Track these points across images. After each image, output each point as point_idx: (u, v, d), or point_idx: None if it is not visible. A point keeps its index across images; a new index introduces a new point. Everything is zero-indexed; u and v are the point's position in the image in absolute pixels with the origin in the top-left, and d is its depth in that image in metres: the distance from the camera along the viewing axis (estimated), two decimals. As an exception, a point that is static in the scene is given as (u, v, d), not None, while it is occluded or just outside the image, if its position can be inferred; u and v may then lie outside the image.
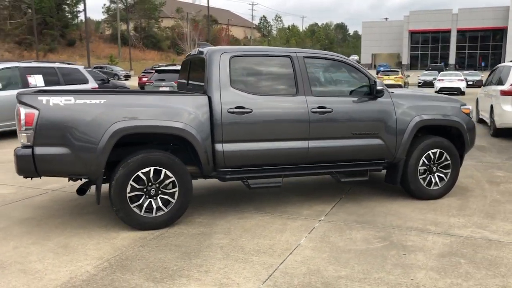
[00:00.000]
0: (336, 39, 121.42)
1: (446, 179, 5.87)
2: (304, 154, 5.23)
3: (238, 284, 3.56)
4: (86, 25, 46.67)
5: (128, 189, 4.56)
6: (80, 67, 13.10)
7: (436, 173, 5.81)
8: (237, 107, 4.91)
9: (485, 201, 5.77)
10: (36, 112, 4.31)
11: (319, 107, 5.21)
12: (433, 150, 5.73)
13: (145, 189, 4.65)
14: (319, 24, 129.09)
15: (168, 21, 77.76)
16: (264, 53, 5.38)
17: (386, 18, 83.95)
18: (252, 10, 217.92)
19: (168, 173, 4.68)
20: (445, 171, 5.87)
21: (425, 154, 5.70)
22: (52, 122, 4.35)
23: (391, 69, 38.17)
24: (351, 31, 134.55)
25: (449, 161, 5.83)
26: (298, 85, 5.21)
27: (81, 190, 4.93)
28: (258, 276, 3.67)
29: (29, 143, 4.34)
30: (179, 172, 4.73)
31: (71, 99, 4.42)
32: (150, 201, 4.68)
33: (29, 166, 4.38)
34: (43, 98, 4.36)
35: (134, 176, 4.57)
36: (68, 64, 13.26)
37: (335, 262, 3.93)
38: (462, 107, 6.00)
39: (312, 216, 5.18)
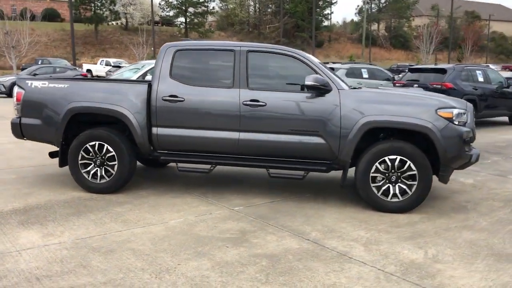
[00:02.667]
0: None
1: (409, 192, 5.07)
2: (235, 145, 5.38)
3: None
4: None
5: (79, 157, 5.66)
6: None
7: (398, 184, 5.08)
8: (170, 96, 5.45)
9: (449, 226, 4.79)
10: (23, 91, 5.80)
11: (251, 100, 5.28)
12: (391, 157, 5.04)
13: (93, 159, 5.66)
14: None
15: (421, 19, 74.96)
16: (208, 47, 5.71)
17: None
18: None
19: (109, 148, 5.59)
20: (408, 182, 5.08)
21: (380, 160, 5.07)
22: (32, 100, 5.77)
23: None
24: None
25: (415, 172, 5.01)
26: (234, 78, 5.38)
27: (52, 154, 6.22)
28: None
29: (18, 115, 5.86)
30: (118, 148, 5.57)
31: (46, 83, 5.76)
32: (97, 170, 5.67)
33: (18, 131, 5.92)
34: (29, 82, 5.82)
35: (84, 147, 5.63)
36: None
37: (162, 243, 4.21)
38: (439, 110, 5.03)
39: (233, 205, 5.31)
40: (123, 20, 60.11)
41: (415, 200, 5.08)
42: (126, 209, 5.11)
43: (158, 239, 4.21)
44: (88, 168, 5.69)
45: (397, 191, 5.10)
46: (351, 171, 5.37)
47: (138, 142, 5.56)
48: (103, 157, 5.63)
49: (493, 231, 4.61)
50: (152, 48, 45.65)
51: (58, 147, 5.85)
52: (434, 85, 11.72)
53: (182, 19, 59.85)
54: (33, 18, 65.42)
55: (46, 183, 6.13)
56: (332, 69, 15.95)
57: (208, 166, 5.58)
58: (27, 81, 5.84)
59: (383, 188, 5.12)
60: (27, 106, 5.79)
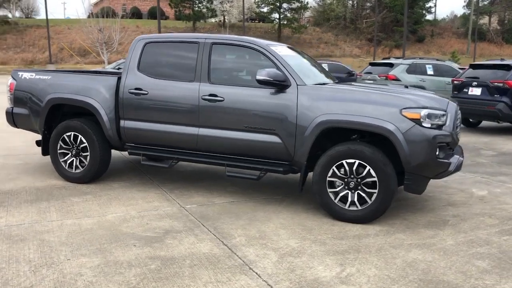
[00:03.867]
0: None
1: (369, 201, 4.52)
2: (194, 141, 5.20)
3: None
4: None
5: (58, 147, 5.84)
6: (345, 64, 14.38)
7: (357, 191, 4.56)
8: (136, 89, 5.41)
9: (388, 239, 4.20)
10: (14, 82, 6.11)
11: (210, 95, 5.06)
12: (349, 160, 4.53)
13: (70, 149, 5.81)
14: None
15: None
16: (175, 39, 5.55)
17: None
18: None
19: (83, 139, 5.70)
20: (368, 190, 4.53)
21: (337, 163, 4.58)
22: (21, 90, 6.06)
23: None
24: None
25: (375, 178, 4.46)
26: (196, 72, 5.19)
27: (38, 143, 6.43)
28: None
29: (11, 105, 6.19)
30: (90, 139, 5.66)
31: (33, 75, 6.02)
32: (73, 160, 5.82)
33: (10, 120, 6.26)
34: (20, 73, 6.12)
35: (61, 137, 5.80)
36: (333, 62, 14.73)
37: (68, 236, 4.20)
38: (404, 110, 4.41)
39: (188, 203, 5.14)
40: (221, 17, 61.80)
41: (375, 211, 4.52)
42: (83, 200, 5.17)
43: (76, 232, 4.19)
44: (65, 158, 5.85)
45: (356, 199, 4.58)
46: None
47: (106, 134, 5.60)
48: (78, 147, 5.76)
49: (451, 253, 3.94)
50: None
51: (40, 134, 6.09)
52: (495, 83, 10.45)
53: (276, 15, 59.96)
54: (140, 16, 69.96)
55: (38, 171, 6.42)
56: (388, 64, 15.16)
57: (167, 162, 5.47)
58: (18, 73, 6.15)
59: (341, 194, 4.63)
60: (17, 96, 6.11)
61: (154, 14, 70.41)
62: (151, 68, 5.48)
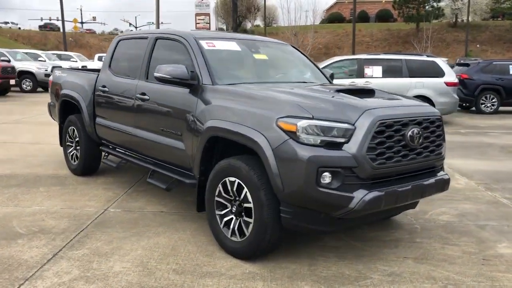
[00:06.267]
0: None
1: (247, 233, 3.54)
2: (134, 142, 4.93)
3: None
4: None
5: (67, 138, 6.27)
6: (439, 60, 12.32)
7: (240, 218, 3.63)
8: (102, 86, 5.41)
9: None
10: (52, 78, 6.79)
11: (141, 94, 4.72)
12: (231, 178, 3.63)
13: (73, 142, 6.17)
14: None
15: None
16: (137, 36, 5.26)
17: None
18: None
19: (76, 133, 5.97)
20: (245, 218, 3.55)
21: (222, 181, 3.72)
22: (53, 86, 6.68)
23: None
24: None
25: (251, 204, 3.47)
26: (141, 69, 4.89)
27: None
28: None
29: (52, 100, 6.89)
30: (80, 134, 5.89)
31: (60, 72, 6.56)
32: (74, 152, 6.16)
33: (49, 112, 6.96)
34: (56, 71, 6.74)
35: (67, 131, 6.20)
36: (428, 56, 12.69)
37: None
38: (280, 120, 3.26)
39: (129, 207, 4.87)
40: (451, 16, 56.82)
41: (253, 246, 3.50)
42: (58, 190, 5.44)
43: (-25, 218, 4.43)
44: (69, 150, 6.24)
45: (236, 228, 3.65)
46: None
47: (87, 130, 5.75)
48: (77, 142, 6.07)
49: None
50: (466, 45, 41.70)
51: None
52: None
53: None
54: (366, 19, 69.53)
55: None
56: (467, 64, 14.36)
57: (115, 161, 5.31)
58: (55, 71, 6.81)
59: (225, 219, 3.75)
60: (51, 91, 6.78)
61: (382, 17, 69.28)
62: (115, 66, 5.40)
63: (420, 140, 3.50)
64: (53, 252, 3.69)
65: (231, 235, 3.68)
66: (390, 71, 12.09)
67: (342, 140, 3.20)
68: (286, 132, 3.23)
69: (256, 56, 4.77)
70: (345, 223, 3.52)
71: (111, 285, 3.18)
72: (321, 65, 12.42)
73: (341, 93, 3.74)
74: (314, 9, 47.94)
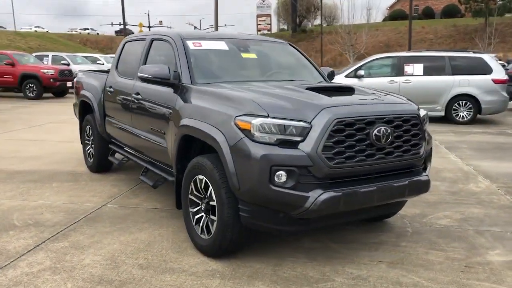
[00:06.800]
0: None
1: (212, 231, 3.57)
2: (132, 140, 5.09)
3: None
4: None
5: (85, 138, 6.58)
6: (486, 56, 11.65)
7: (209, 216, 3.66)
8: (109, 87, 5.62)
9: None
10: (76, 79, 7.13)
11: (136, 93, 4.87)
12: (199, 176, 3.67)
13: (90, 141, 6.46)
14: None
15: None
16: (138, 37, 5.40)
17: None
18: None
19: (91, 131, 6.25)
20: (212, 217, 3.58)
21: (193, 179, 3.76)
22: (77, 86, 7.01)
23: None
24: None
25: (215, 202, 3.50)
26: (138, 69, 5.02)
27: None
28: None
29: (76, 100, 7.24)
30: (93, 132, 6.16)
31: (80, 73, 6.88)
32: (90, 150, 6.45)
33: (73, 111, 7.33)
34: (78, 73, 7.08)
35: (84, 129, 6.51)
36: (474, 52, 12.00)
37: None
38: (238, 118, 3.24)
39: (128, 203, 5.05)
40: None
41: (216, 244, 3.52)
42: (69, 185, 5.71)
43: (-19, 210, 4.76)
44: (87, 148, 6.54)
45: (205, 225, 3.68)
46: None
47: (98, 129, 5.99)
48: (92, 140, 6.34)
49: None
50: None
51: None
52: None
53: None
54: (431, 16, 66.97)
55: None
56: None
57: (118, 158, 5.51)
58: (78, 73, 7.15)
59: (197, 216, 3.79)
60: (75, 92, 7.12)
61: (448, 12, 66.37)
62: (121, 67, 5.59)
63: (389, 139, 3.35)
64: (36, 244, 3.90)
65: (200, 233, 3.72)
66: (432, 68, 11.62)
67: (298, 138, 3.14)
68: (242, 130, 3.22)
69: (244, 55, 4.77)
70: (313, 223, 3.44)
71: (74, 276, 3.32)
72: (359, 64, 12.18)
73: (310, 92, 3.67)
74: (367, 7, 46.54)
